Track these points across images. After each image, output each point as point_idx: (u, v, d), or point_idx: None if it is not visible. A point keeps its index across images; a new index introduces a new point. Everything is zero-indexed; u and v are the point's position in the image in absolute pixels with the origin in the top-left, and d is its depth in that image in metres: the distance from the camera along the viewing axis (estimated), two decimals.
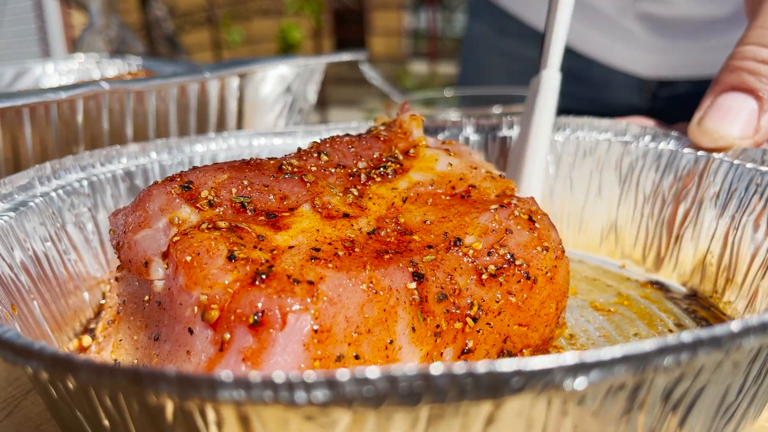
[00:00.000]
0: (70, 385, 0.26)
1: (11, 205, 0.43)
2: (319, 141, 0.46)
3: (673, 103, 1.10)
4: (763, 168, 0.48)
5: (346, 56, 0.75)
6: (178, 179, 0.38)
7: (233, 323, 0.30)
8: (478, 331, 0.37)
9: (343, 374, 0.20)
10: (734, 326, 0.22)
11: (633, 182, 0.57)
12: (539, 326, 0.40)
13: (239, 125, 0.68)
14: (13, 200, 0.43)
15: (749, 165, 0.49)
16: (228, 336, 0.30)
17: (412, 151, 0.46)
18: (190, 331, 0.31)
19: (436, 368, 0.20)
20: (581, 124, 0.60)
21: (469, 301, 0.36)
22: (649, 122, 0.61)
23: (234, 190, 0.38)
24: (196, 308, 0.31)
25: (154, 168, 0.53)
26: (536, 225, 0.40)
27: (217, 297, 0.31)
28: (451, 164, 0.46)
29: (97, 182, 0.49)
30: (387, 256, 0.35)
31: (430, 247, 0.37)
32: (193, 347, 0.31)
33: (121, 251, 0.37)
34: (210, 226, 0.34)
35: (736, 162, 0.50)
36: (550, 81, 0.57)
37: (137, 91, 0.57)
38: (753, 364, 0.27)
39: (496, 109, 1.01)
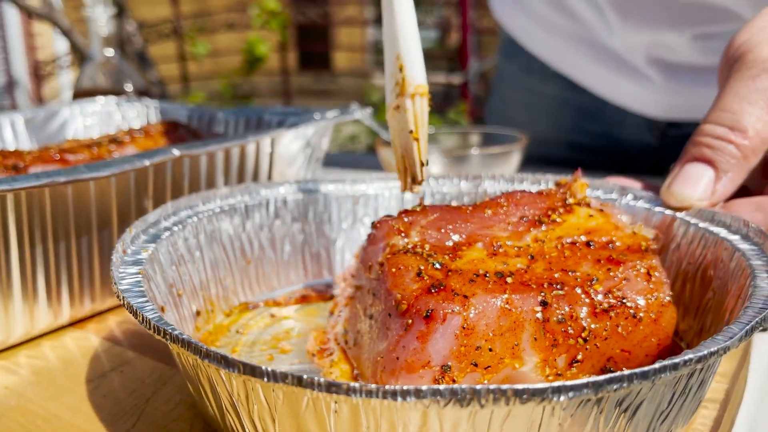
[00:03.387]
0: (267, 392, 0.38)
1: (150, 237, 0.57)
2: (502, 193, 0.60)
3: (682, 142, 1.23)
4: (711, 228, 0.60)
5: (356, 114, 0.87)
6: (403, 215, 0.56)
7: (414, 314, 0.45)
8: (587, 349, 0.49)
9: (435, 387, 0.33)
10: (657, 365, 0.35)
11: None
12: (640, 354, 0.51)
13: (270, 175, 0.80)
14: (149, 234, 0.57)
15: (702, 224, 0.61)
16: (410, 322, 0.45)
17: (570, 207, 0.58)
18: (390, 315, 0.47)
19: (480, 387, 0.33)
20: None
21: (583, 325, 0.48)
22: (635, 184, 0.72)
23: (437, 228, 0.55)
24: (394, 301, 0.47)
25: (240, 206, 0.66)
26: (652, 279, 0.51)
27: (407, 296, 0.46)
28: (597, 222, 0.57)
29: (202, 218, 0.62)
30: (525, 287, 0.49)
31: (561, 284, 0.49)
32: (390, 327, 0.47)
33: (360, 255, 0.59)
34: (411, 251, 0.52)
35: (692, 221, 0.61)
36: None
37: (193, 155, 0.69)
38: (677, 386, 0.40)
39: (474, 151, 1.14)
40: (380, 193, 0.74)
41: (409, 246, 0.54)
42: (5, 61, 8.22)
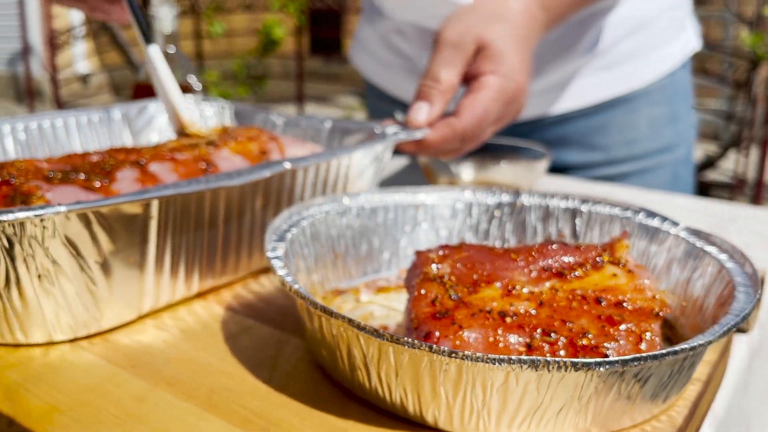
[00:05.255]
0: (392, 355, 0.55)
1: (278, 237, 0.72)
2: (540, 243, 0.68)
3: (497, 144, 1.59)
4: (706, 247, 0.73)
5: (418, 134, 1.03)
6: (440, 250, 0.67)
7: (419, 332, 0.59)
8: None
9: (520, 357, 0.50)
10: (663, 351, 0.52)
11: (632, 245, 0.81)
12: None
13: (345, 186, 0.97)
14: (277, 235, 0.73)
15: (698, 244, 0.75)
16: (415, 335, 0.59)
17: (601, 264, 0.64)
18: (410, 323, 0.60)
19: (550, 359, 0.50)
20: (599, 200, 0.85)
21: None
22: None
23: (466, 264, 0.64)
24: (411, 317, 0.60)
25: (332, 212, 0.82)
26: (641, 343, 0.55)
27: (418, 316, 0.59)
28: (617, 281, 0.61)
29: (307, 222, 0.78)
30: (518, 329, 0.55)
31: (555, 332, 0.55)
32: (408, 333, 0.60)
33: (406, 276, 0.69)
34: (438, 280, 0.62)
35: (691, 240, 0.75)
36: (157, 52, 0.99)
37: (297, 168, 0.86)
38: (674, 366, 0.56)
39: (504, 163, 1.28)
40: (436, 203, 0.91)
41: (438, 275, 0.63)
42: (22, 28, 8.30)
